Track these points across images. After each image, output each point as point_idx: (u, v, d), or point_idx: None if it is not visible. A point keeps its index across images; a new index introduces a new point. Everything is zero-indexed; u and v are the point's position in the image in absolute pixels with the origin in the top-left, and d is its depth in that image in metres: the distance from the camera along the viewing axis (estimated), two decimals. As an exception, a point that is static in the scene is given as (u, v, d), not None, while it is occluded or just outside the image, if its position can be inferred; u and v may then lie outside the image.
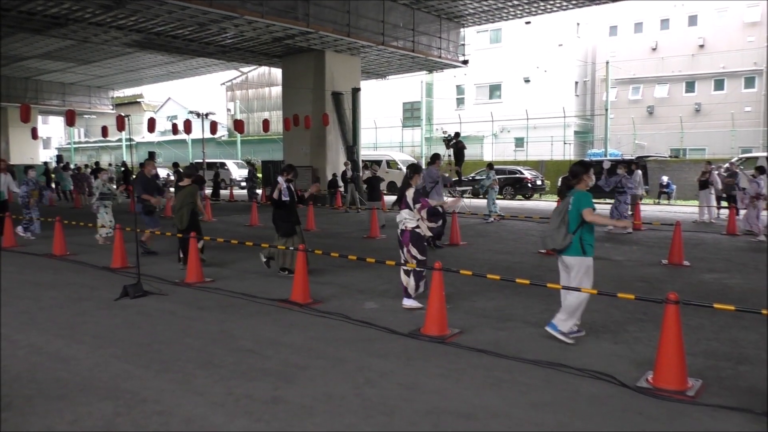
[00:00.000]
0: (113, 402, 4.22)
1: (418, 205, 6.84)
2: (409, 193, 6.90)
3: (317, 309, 6.83)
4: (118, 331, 6.01)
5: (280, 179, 8.75)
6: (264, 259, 8.93)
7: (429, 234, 6.92)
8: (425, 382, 4.60)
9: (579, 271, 5.40)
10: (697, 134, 33.19)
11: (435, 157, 11.64)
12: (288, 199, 8.63)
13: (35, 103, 33.28)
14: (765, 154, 21.80)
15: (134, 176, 12.01)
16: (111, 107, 39.54)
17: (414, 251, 6.83)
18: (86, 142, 59.17)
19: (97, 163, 31.66)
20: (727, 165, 19.09)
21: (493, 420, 3.92)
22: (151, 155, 22.15)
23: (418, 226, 6.86)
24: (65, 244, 11.01)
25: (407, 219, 6.87)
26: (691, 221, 15.87)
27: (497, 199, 17.21)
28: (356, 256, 7.07)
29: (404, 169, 27.60)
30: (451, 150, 19.09)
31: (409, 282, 6.83)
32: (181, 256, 9.47)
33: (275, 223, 8.82)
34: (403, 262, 6.85)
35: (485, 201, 17.21)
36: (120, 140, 49.42)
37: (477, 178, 24.18)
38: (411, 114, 42.03)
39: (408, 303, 6.83)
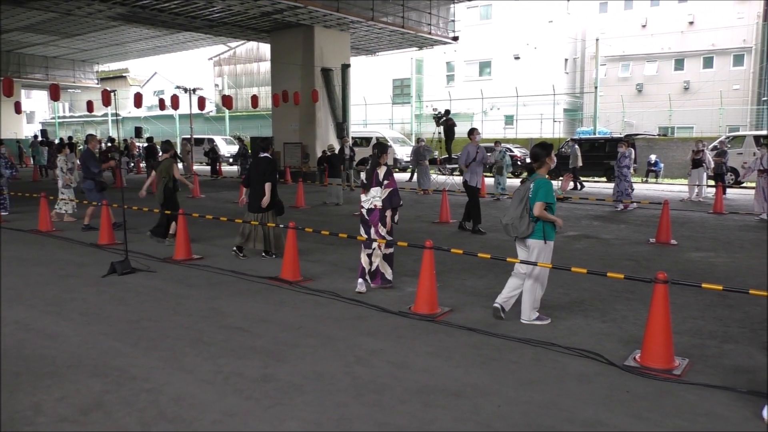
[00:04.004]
0: (102, 379, 4.21)
1: (386, 182, 6.70)
2: (381, 171, 6.78)
3: (307, 287, 6.82)
4: (106, 308, 5.98)
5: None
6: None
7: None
8: (415, 360, 4.62)
9: (539, 253, 5.40)
10: (686, 112, 33.16)
11: (471, 132, 10.77)
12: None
13: (18, 76, 32.74)
14: (752, 132, 21.92)
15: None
16: (96, 82, 38.99)
17: (383, 231, 6.75)
18: (71, 117, 58.34)
19: (70, 138, 31.10)
20: (715, 143, 19.17)
21: (483, 398, 3.95)
22: (138, 130, 21.91)
23: None
24: (50, 219, 10.88)
25: (377, 197, 6.73)
26: (678, 200, 15.97)
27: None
28: (347, 234, 7.06)
29: (393, 146, 27.66)
30: (441, 128, 18.95)
31: (386, 267, 6.76)
32: (170, 232, 9.44)
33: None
34: (369, 243, 6.72)
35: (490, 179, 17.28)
36: (106, 115, 48.78)
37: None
38: (401, 91, 41.72)
39: (376, 285, 6.76)
